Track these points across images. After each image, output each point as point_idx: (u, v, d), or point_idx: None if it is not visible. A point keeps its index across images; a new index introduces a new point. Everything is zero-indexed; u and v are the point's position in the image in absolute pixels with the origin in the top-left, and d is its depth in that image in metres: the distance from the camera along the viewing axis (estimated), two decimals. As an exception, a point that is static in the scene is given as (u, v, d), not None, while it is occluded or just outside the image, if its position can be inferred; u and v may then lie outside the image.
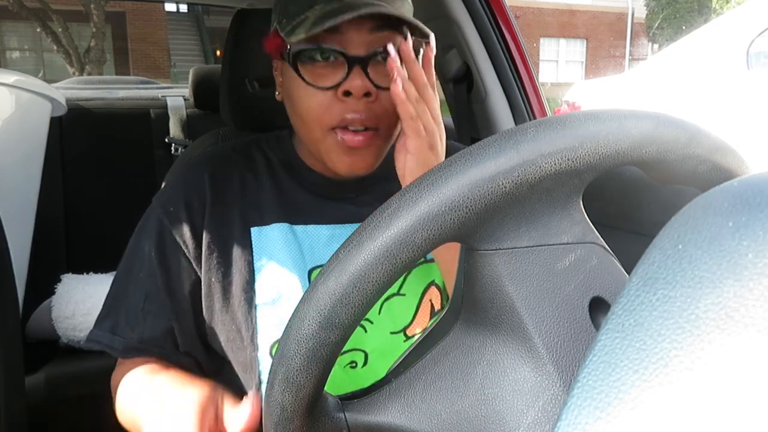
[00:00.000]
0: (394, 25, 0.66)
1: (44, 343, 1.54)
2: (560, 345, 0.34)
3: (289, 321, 0.35)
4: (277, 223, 0.72)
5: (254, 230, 0.71)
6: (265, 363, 0.69)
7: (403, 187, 0.65)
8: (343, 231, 0.73)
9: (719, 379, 0.18)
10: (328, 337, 0.33)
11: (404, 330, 0.71)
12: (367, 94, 0.65)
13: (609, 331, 0.21)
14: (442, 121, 0.66)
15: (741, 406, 0.17)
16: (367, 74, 0.64)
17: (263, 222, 0.72)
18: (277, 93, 0.74)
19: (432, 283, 0.73)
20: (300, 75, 0.66)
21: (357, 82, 0.64)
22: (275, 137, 0.80)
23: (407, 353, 0.41)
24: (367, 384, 0.71)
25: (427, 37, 0.67)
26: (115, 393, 0.71)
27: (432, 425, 0.37)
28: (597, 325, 0.35)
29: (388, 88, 0.64)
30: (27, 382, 1.12)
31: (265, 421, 0.37)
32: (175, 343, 0.71)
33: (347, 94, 0.65)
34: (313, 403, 0.37)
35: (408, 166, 0.65)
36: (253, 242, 0.71)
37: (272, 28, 0.70)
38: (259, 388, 0.69)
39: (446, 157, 0.69)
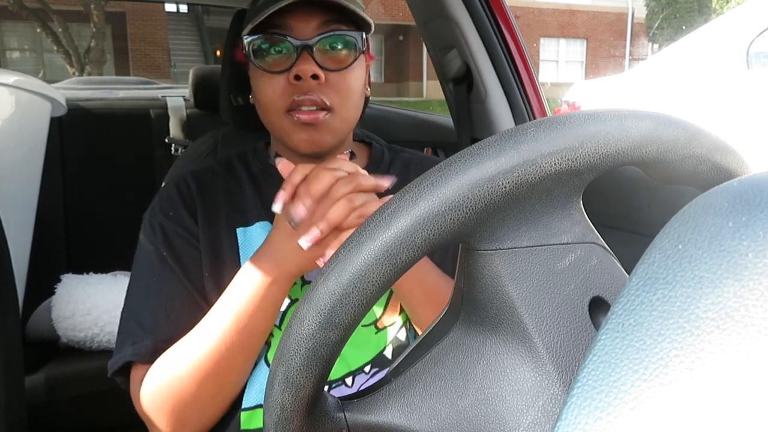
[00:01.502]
0: (339, 20, 0.73)
1: (44, 343, 1.54)
2: (560, 345, 0.34)
3: (289, 321, 0.35)
4: (259, 222, 0.77)
5: (239, 231, 0.76)
6: None
7: None
8: None
9: (719, 379, 0.18)
10: (328, 337, 0.33)
11: (375, 323, 0.76)
12: (314, 77, 0.71)
13: (609, 331, 0.21)
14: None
15: (741, 406, 0.17)
16: (314, 59, 0.71)
17: (247, 223, 0.77)
18: (250, 97, 0.81)
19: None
20: (256, 64, 0.73)
21: (304, 66, 0.70)
22: (252, 150, 0.86)
23: (407, 353, 0.41)
24: (337, 373, 0.72)
25: (369, 27, 0.75)
26: (160, 395, 0.67)
27: (432, 425, 0.37)
28: (597, 325, 0.35)
29: (336, 70, 0.73)
30: (27, 382, 1.12)
31: (266, 420, 0.37)
32: None
33: (298, 78, 0.71)
34: (313, 403, 0.37)
35: None
36: (239, 242, 0.76)
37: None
38: None
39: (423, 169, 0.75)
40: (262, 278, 0.65)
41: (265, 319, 0.67)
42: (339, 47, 0.73)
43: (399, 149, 0.91)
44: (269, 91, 0.73)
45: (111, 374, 0.71)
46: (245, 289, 0.66)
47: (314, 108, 0.72)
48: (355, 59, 0.74)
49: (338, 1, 0.70)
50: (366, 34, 0.76)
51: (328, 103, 0.72)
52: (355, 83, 0.75)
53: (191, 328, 0.68)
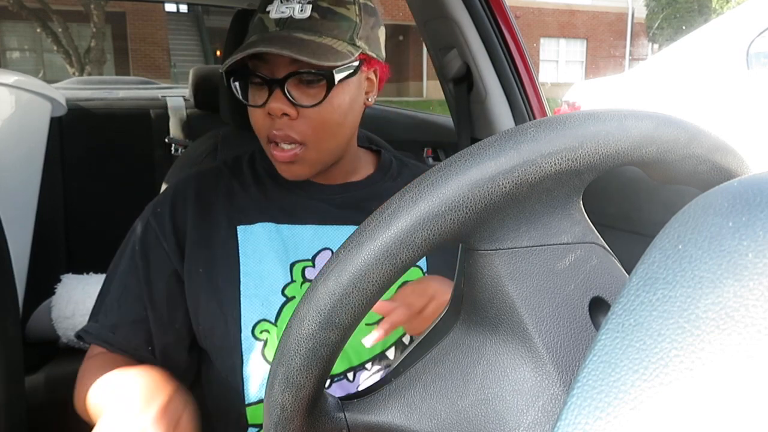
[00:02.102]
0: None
1: (44, 343, 1.54)
2: (560, 345, 0.34)
3: (289, 321, 0.35)
4: (262, 223, 0.78)
5: (240, 228, 0.78)
6: (247, 343, 0.74)
7: None
8: (324, 231, 0.79)
9: (719, 380, 0.18)
10: (328, 337, 0.33)
11: (378, 322, 0.76)
12: (286, 114, 0.71)
13: (609, 331, 0.21)
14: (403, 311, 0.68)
15: (741, 406, 0.17)
16: (286, 95, 0.70)
17: (249, 221, 0.78)
18: None
19: (404, 284, 0.79)
20: (237, 96, 0.74)
21: (275, 104, 0.70)
22: (260, 150, 0.86)
23: (407, 353, 0.41)
24: (338, 368, 0.73)
25: (346, 62, 0.70)
26: (81, 379, 0.74)
27: (432, 425, 0.37)
28: (597, 325, 0.35)
29: (309, 106, 0.71)
30: (27, 382, 1.12)
31: (265, 420, 0.38)
32: (147, 339, 0.76)
33: (270, 113, 0.72)
34: (313, 403, 0.37)
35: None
36: (239, 239, 0.77)
37: None
38: (241, 369, 0.74)
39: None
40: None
41: None
42: (315, 84, 0.71)
43: (406, 160, 0.91)
44: (253, 119, 0.75)
45: (74, 336, 0.79)
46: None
47: (288, 145, 0.73)
48: (328, 93, 0.71)
49: (281, 52, 0.67)
50: (348, 63, 0.72)
51: (299, 139, 0.72)
52: (332, 115, 0.73)
53: (132, 322, 0.75)
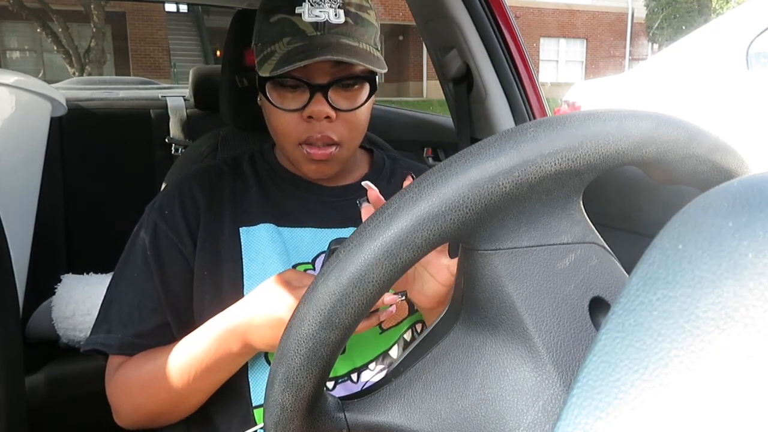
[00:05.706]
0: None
1: (44, 343, 1.54)
2: (560, 345, 0.34)
3: (290, 321, 0.35)
4: (264, 224, 0.78)
5: (243, 230, 0.77)
6: None
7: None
8: (324, 234, 0.79)
9: (719, 379, 0.18)
10: (328, 337, 0.33)
11: (379, 324, 0.76)
12: (327, 117, 0.72)
13: (609, 331, 0.21)
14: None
15: (741, 406, 0.17)
16: (327, 100, 0.72)
17: (252, 223, 0.78)
18: (258, 99, 0.80)
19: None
20: (268, 99, 0.74)
21: (318, 107, 0.72)
22: (260, 151, 0.88)
23: (407, 353, 0.41)
24: (342, 369, 0.73)
25: (384, 69, 0.75)
26: (120, 390, 0.73)
27: (432, 425, 0.37)
28: (597, 325, 0.35)
29: (347, 111, 0.74)
30: (27, 382, 1.12)
31: (266, 420, 0.38)
32: (172, 336, 0.75)
33: (311, 117, 0.73)
34: (313, 403, 0.37)
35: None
36: (242, 241, 0.77)
37: (252, 44, 0.77)
38: (247, 371, 0.74)
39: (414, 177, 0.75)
40: (234, 346, 0.67)
41: (227, 373, 0.70)
42: (352, 88, 0.74)
43: (397, 157, 0.92)
44: (281, 122, 0.75)
45: (82, 351, 0.76)
46: (215, 346, 0.68)
47: (326, 146, 0.74)
48: (370, 96, 0.75)
49: (357, 62, 0.69)
50: (378, 73, 0.75)
51: (337, 139, 0.74)
52: (364, 116, 0.77)
53: (156, 328, 0.74)
